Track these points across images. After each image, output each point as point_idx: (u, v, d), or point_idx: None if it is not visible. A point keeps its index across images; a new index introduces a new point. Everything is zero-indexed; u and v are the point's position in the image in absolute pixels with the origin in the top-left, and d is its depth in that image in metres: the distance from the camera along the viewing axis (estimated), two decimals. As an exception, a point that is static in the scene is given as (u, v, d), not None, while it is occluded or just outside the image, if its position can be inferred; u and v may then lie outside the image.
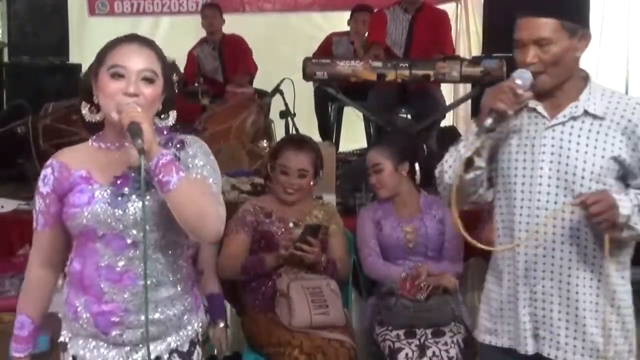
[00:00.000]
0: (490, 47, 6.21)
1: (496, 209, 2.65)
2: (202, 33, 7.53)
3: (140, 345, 2.25)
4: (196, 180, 2.19)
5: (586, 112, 2.48)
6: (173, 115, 2.30)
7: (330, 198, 4.39)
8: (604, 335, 2.49)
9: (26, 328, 2.38)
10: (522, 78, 2.45)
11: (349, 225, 3.93)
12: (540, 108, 2.52)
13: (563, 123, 2.49)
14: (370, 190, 4.45)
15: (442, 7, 7.09)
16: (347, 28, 7.26)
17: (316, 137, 6.37)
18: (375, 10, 6.61)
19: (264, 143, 5.01)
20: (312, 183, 3.78)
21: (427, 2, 6.23)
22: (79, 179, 2.22)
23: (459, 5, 8.44)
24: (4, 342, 3.51)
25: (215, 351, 3.50)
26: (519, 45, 2.48)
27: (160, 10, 8.43)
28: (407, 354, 3.40)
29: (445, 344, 3.43)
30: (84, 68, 6.73)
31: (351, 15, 7.18)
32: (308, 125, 6.40)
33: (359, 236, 3.83)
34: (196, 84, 6.82)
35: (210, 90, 6.86)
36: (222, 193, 2.39)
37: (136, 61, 2.17)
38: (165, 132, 2.29)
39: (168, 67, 2.30)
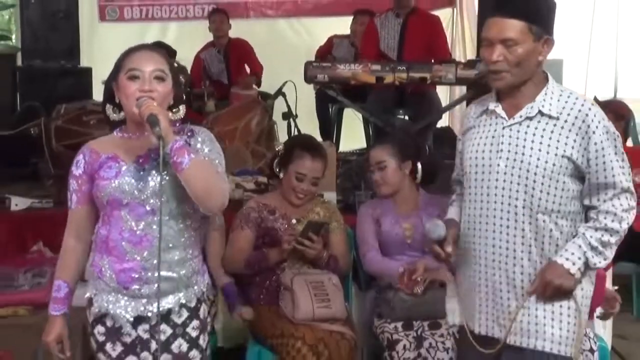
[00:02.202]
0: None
1: (463, 203, 2.72)
2: (208, 37, 7.53)
3: (141, 300, 2.52)
4: (204, 161, 2.48)
5: (541, 113, 2.52)
6: (183, 109, 2.60)
7: (331, 196, 4.39)
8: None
9: (62, 290, 2.62)
10: (435, 233, 2.61)
11: (349, 221, 3.93)
12: (499, 109, 2.59)
13: (519, 122, 2.55)
14: (369, 188, 4.45)
15: (438, 12, 7.09)
16: (347, 32, 7.27)
17: (317, 137, 6.36)
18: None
19: (281, 145, 5.01)
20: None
21: (419, 7, 6.22)
22: (107, 159, 2.53)
23: (455, 11, 8.45)
24: (21, 333, 3.54)
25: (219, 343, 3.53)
26: (485, 43, 2.53)
27: (168, 16, 8.43)
28: (404, 345, 3.40)
29: (441, 335, 3.43)
30: (94, 71, 6.75)
31: (353, 18, 7.19)
32: (309, 126, 6.39)
33: (358, 232, 3.83)
34: (202, 87, 6.83)
35: (216, 92, 6.87)
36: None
37: (148, 63, 2.49)
38: (177, 124, 2.58)
39: (174, 67, 2.61)
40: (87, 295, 2.61)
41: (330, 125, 7.02)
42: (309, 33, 8.17)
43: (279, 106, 5.80)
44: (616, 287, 4.50)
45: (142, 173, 2.49)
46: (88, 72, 6.64)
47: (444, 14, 7.71)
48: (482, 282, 2.63)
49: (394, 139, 4.10)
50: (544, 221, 2.53)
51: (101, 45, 7.89)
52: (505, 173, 2.54)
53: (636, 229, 4.21)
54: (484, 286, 2.63)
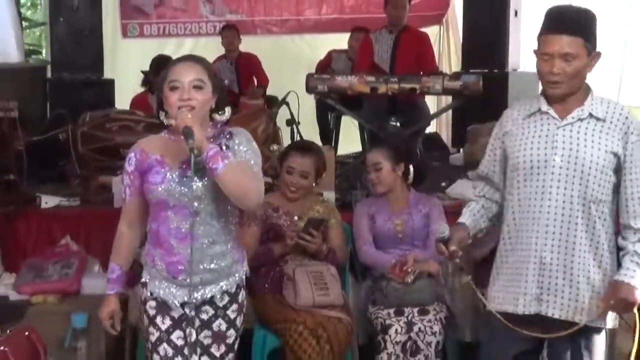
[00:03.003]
0: (468, 64, 6.22)
1: (507, 206, 2.69)
2: (220, 51, 7.53)
3: (199, 287, 2.59)
4: (239, 163, 2.50)
5: (590, 115, 2.57)
6: (228, 110, 2.64)
7: (330, 195, 4.38)
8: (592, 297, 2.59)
9: (115, 272, 2.70)
10: (439, 233, 2.67)
11: (346, 218, 3.92)
12: (552, 111, 2.60)
13: (572, 123, 2.58)
14: (365, 188, 4.44)
15: (426, 29, 7.08)
16: (345, 47, 7.26)
17: (317, 142, 6.34)
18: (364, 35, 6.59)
19: (275, 147, 5.00)
20: (313, 184, 3.78)
21: (410, 25, 6.21)
22: (154, 162, 2.57)
23: (442, 29, 8.44)
24: (50, 319, 3.54)
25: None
26: (546, 57, 2.55)
27: (183, 32, 8.43)
28: (396, 330, 3.40)
29: (430, 321, 3.43)
30: (117, 83, 6.73)
31: (350, 34, 7.19)
32: (310, 132, 6.40)
33: (355, 228, 3.82)
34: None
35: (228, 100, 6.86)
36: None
37: (186, 74, 2.51)
38: (219, 126, 2.62)
39: (215, 74, 2.63)
40: (142, 280, 2.68)
41: (329, 131, 7.01)
42: (310, 48, 8.16)
43: (283, 114, 5.79)
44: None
45: (185, 179, 2.52)
46: (111, 83, 6.63)
47: (432, 31, 7.72)
48: (531, 265, 2.61)
49: (389, 143, 4.10)
50: (596, 210, 2.57)
51: (123, 59, 7.90)
52: (561, 167, 2.56)
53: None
54: (532, 268, 2.61)
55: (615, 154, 2.55)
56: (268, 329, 3.47)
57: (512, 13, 6.01)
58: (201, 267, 2.57)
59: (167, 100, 2.51)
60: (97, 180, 4.72)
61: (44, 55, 8.11)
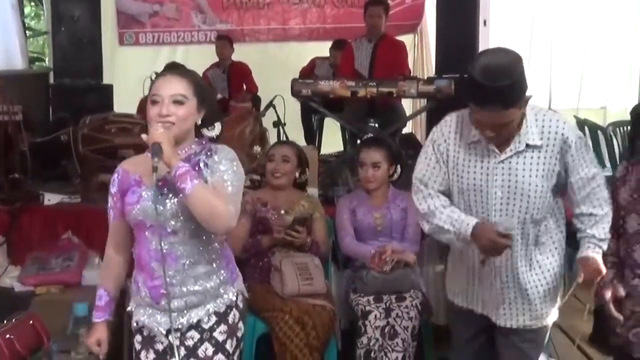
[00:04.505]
0: (441, 69, 6.20)
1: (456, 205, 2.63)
2: (211, 58, 7.48)
3: (185, 312, 2.31)
4: (213, 184, 2.23)
5: (527, 145, 2.45)
6: (218, 126, 2.37)
7: (314, 191, 4.37)
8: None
9: (103, 299, 2.42)
10: (506, 229, 2.47)
11: (328, 212, 3.92)
12: (492, 146, 2.47)
13: (510, 157, 2.47)
14: (346, 184, 4.44)
15: (402, 37, 7.07)
16: (327, 54, 7.25)
17: (302, 142, 6.35)
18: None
19: (257, 148, 4.99)
20: (297, 174, 3.76)
21: (388, 33, 6.20)
22: (133, 182, 2.32)
23: (416, 36, 8.44)
24: (53, 308, 3.52)
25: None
26: (479, 123, 2.41)
27: (177, 41, 8.35)
28: (375, 315, 3.40)
29: (406, 306, 3.44)
30: (115, 88, 6.69)
31: (332, 46, 7.18)
32: (296, 133, 6.37)
33: (337, 221, 3.82)
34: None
35: (218, 105, 6.83)
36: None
37: (168, 88, 2.24)
38: (204, 142, 2.34)
39: (202, 89, 2.33)
40: (128, 308, 2.44)
41: (313, 132, 7.00)
42: (295, 55, 8.12)
43: (270, 116, 5.78)
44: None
45: (160, 197, 2.23)
46: (109, 88, 6.58)
47: (407, 39, 7.71)
48: (476, 279, 2.64)
49: (387, 144, 4.06)
50: (537, 227, 2.54)
51: (120, 66, 7.84)
52: (502, 197, 2.49)
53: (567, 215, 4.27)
54: (476, 283, 2.64)
55: (556, 172, 2.49)
56: (257, 317, 3.45)
57: (481, 22, 6.02)
58: (184, 289, 2.28)
59: (147, 113, 2.24)
60: (97, 178, 4.68)
61: (46, 62, 8.05)
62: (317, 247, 3.65)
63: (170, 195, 2.24)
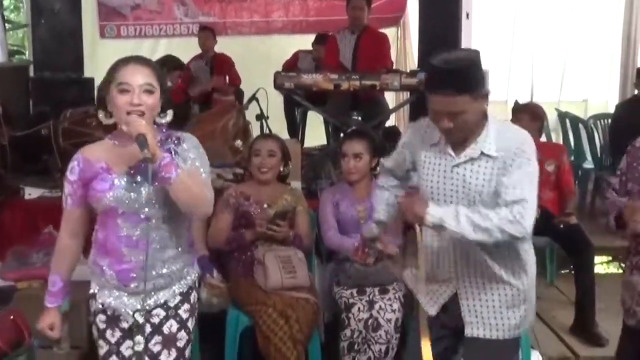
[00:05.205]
0: (424, 62, 6.22)
1: None
2: (194, 50, 7.44)
3: (153, 293, 2.40)
4: (189, 172, 2.29)
5: (482, 153, 2.41)
6: (170, 113, 2.39)
7: (297, 184, 4.38)
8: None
9: (57, 285, 2.46)
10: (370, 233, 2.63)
11: (312, 205, 3.92)
12: (449, 149, 2.46)
13: (465, 162, 2.44)
14: (329, 177, 4.44)
15: (385, 30, 7.07)
16: (310, 47, 7.24)
17: (285, 135, 6.35)
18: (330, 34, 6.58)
19: (239, 142, 4.99)
20: (281, 168, 3.76)
21: (370, 26, 6.20)
22: (100, 169, 2.33)
23: (399, 29, 8.45)
24: (34, 303, 3.47)
25: (209, 306, 3.48)
26: (434, 114, 2.39)
27: (159, 33, 8.31)
28: (359, 308, 3.41)
29: (389, 299, 3.45)
30: (96, 81, 6.64)
31: (314, 40, 7.17)
32: (279, 126, 6.35)
33: (320, 214, 3.82)
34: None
35: (199, 97, 6.82)
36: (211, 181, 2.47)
37: (137, 77, 2.27)
38: (164, 130, 2.39)
39: (163, 77, 2.39)
40: (91, 291, 2.46)
41: (296, 125, 7.00)
42: (278, 48, 8.10)
43: (253, 109, 5.76)
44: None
45: (134, 185, 2.30)
46: (91, 82, 6.49)
47: (390, 32, 7.71)
48: (443, 285, 2.59)
49: (369, 136, 4.06)
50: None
51: (101, 59, 7.72)
52: (457, 201, 2.45)
53: (549, 208, 4.31)
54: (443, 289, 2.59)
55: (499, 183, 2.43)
56: (241, 310, 3.46)
57: (463, 15, 6.03)
58: (153, 272, 2.36)
59: (115, 102, 2.26)
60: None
61: (26, 55, 7.95)
62: (300, 240, 3.65)
63: (145, 183, 2.28)
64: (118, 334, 2.43)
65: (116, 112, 2.27)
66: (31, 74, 6.61)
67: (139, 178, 2.30)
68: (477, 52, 2.39)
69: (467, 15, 6.19)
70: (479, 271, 2.50)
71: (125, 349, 2.42)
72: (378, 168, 3.84)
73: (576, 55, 8.11)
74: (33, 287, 3.72)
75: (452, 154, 2.46)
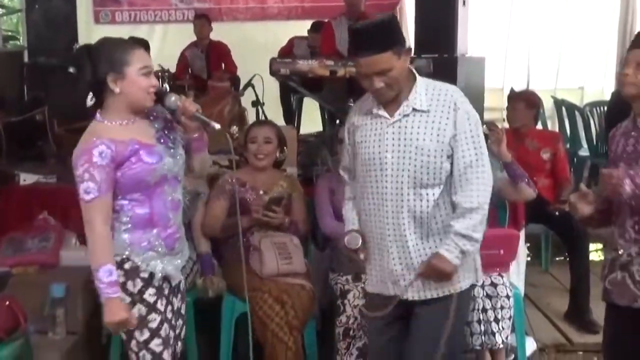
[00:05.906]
0: (420, 49, 6.17)
1: (360, 193, 2.67)
2: (190, 38, 7.41)
3: (179, 254, 2.60)
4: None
5: (414, 109, 2.51)
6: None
7: (293, 170, 4.37)
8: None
9: (114, 274, 2.36)
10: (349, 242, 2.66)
11: (308, 192, 3.91)
12: (382, 111, 2.55)
13: (399, 120, 2.52)
14: (324, 164, 4.43)
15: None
16: (306, 34, 7.21)
17: (281, 122, 6.33)
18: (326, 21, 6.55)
19: (235, 128, 4.97)
20: (277, 154, 3.75)
21: (366, 12, 6.18)
22: (136, 147, 2.41)
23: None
24: (30, 289, 3.49)
25: (204, 293, 3.49)
26: (363, 77, 2.50)
27: (154, 19, 8.28)
28: (354, 294, 3.42)
29: (385, 286, 3.45)
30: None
31: (310, 28, 7.14)
32: (275, 113, 6.35)
33: (316, 201, 3.81)
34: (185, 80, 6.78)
35: (195, 85, 6.81)
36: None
37: (149, 60, 2.50)
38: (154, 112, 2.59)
39: None
40: (130, 265, 2.44)
41: (292, 112, 6.98)
42: (273, 34, 8.07)
43: (249, 96, 5.74)
44: (528, 244, 4.57)
45: (172, 150, 2.51)
46: (85, 67, 6.52)
47: (385, 18, 7.68)
48: (377, 254, 2.65)
49: None
50: (426, 194, 2.52)
51: (96, 45, 7.74)
52: (392, 162, 2.52)
53: (544, 196, 4.31)
54: (378, 257, 2.65)
55: (449, 136, 2.49)
56: (236, 296, 3.46)
57: (460, 2, 6.00)
58: (180, 231, 2.62)
59: (138, 84, 2.41)
60: (73, 158, 4.64)
61: (21, 41, 7.91)
62: (295, 226, 3.65)
63: (179, 148, 2.54)
64: (164, 301, 2.52)
65: (138, 93, 2.42)
66: (25, 59, 6.58)
67: (170, 144, 2.50)
68: (391, 14, 2.61)
69: (464, 2, 6.17)
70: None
71: (169, 312, 2.55)
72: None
73: (572, 42, 8.09)
74: (28, 273, 3.72)
75: (386, 115, 2.55)
